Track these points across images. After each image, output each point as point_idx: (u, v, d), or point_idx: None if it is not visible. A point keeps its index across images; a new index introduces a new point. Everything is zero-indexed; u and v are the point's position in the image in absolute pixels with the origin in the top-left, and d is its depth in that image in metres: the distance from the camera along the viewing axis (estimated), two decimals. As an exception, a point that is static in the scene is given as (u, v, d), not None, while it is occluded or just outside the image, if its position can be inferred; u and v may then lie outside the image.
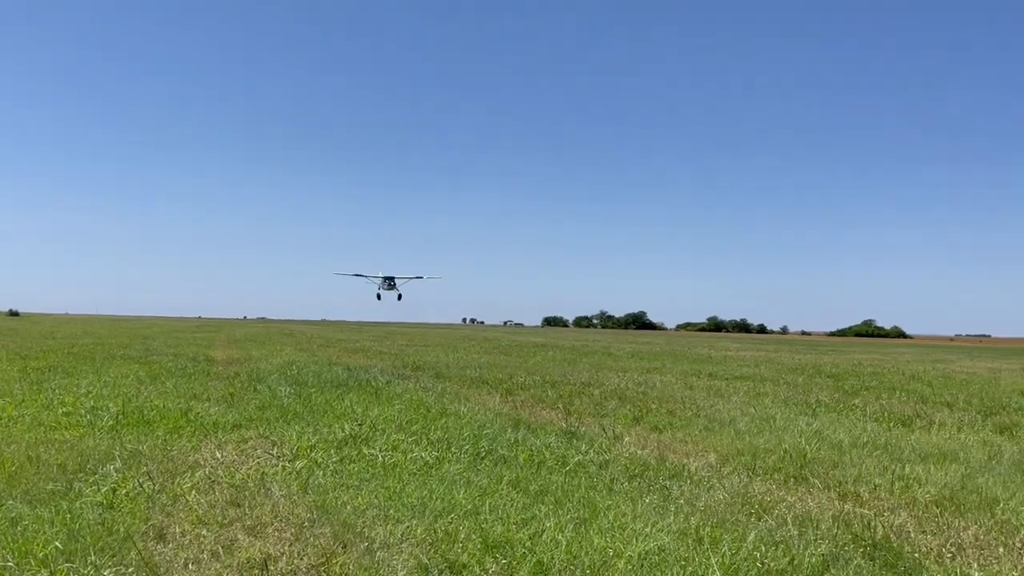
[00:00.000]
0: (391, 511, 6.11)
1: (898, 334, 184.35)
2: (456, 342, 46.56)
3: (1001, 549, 5.60)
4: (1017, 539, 5.79)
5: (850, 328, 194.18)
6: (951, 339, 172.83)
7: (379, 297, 75.08)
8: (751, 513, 6.27)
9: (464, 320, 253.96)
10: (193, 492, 6.66)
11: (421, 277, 76.81)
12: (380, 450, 8.34)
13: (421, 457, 8.07)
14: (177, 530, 5.68)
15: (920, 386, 19.89)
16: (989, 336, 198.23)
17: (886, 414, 13.06)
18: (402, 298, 76.34)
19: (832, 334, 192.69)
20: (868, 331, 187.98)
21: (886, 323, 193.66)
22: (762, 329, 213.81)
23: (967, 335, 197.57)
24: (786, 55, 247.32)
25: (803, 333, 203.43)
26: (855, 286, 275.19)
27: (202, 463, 7.84)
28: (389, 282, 73.74)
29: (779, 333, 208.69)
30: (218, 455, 8.20)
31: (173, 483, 6.96)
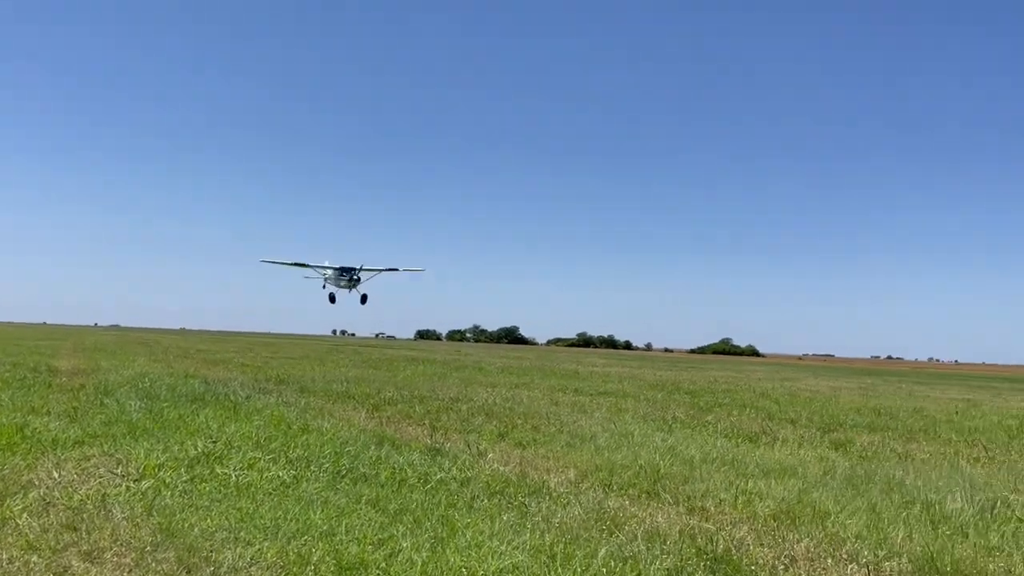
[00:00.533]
0: (242, 533, 5.91)
1: (752, 352, 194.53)
2: (324, 355, 45.56)
3: (829, 560, 6.02)
4: (843, 551, 6.23)
5: (709, 346, 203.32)
6: (800, 358, 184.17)
7: (332, 299, 55.18)
8: (604, 529, 6.47)
9: (334, 332, 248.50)
10: (24, 515, 6.22)
11: (396, 269, 57.06)
12: (234, 469, 8.05)
13: (278, 476, 7.85)
14: (4, 556, 5.29)
15: (768, 403, 21.08)
16: (833, 356, 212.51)
17: (735, 430, 13.76)
18: (366, 302, 55.33)
19: (692, 351, 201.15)
20: (725, 349, 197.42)
21: (742, 341, 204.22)
22: (628, 345, 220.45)
23: (814, 354, 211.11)
24: (643, 77, 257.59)
25: (666, 350, 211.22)
26: (715, 306, 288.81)
27: (37, 483, 7.32)
28: (348, 276, 54.10)
29: (644, 349, 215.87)
30: (56, 474, 7.68)
31: (2, 505, 6.47)
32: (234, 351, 46.03)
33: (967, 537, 6.70)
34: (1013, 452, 12.74)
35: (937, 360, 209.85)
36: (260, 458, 8.66)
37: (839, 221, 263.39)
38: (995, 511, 7.62)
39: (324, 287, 57.77)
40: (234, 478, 7.69)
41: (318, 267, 55.91)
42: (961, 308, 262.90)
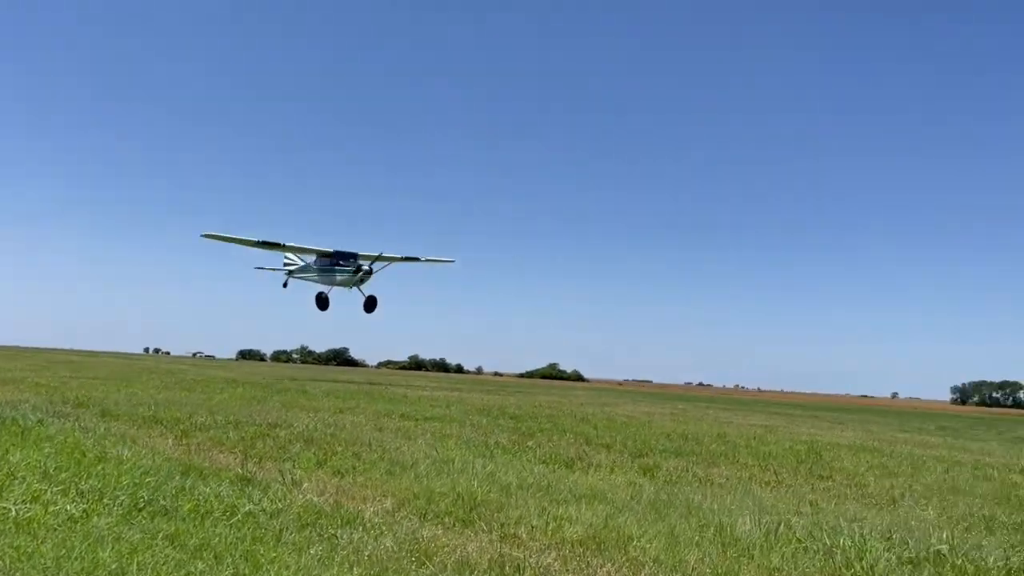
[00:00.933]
0: (18, 575, 5.40)
1: (577, 377, 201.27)
2: (133, 375, 42.56)
3: (628, 583, 6.31)
4: (642, 574, 6.56)
5: (537, 370, 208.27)
6: (620, 383, 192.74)
7: (323, 303, 37.99)
8: (415, 560, 6.45)
9: (146, 350, 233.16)
10: None
11: (417, 259, 41.36)
12: (15, 502, 7.34)
13: (65, 510, 7.23)
14: None
15: (587, 428, 21.83)
16: (651, 381, 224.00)
17: (553, 456, 14.14)
18: (376, 307, 39.27)
19: (521, 375, 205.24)
20: (552, 373, 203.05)
21: (568, 366, 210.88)
22: (460, 369, 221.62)
23: (634, 380, 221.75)
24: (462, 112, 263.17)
25: (496, 374, 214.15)
26: (544, 330, 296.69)
27: None
28: (353, 268, 36.70)
29: (475, 373, 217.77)
30: None
31: None
32: (28, 369, 42.03)
33: (753, 559, 7.24)
34: (800, 476, 13.88)
35: (742, 387, 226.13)
36: (46, 490, 7.95)
37: (657, 252, 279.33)
38: (779, 532, 8.29)
39: (285, 285, 40.16)
40: (14, 512, 7.01)
41: (296, 248, 36.73)
42: (731, 337, 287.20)
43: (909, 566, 7.37)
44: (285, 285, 40.07)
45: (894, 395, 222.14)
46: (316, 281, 37.58)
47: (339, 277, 36.66)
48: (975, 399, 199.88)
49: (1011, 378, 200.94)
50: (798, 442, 21.83)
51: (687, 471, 13.26)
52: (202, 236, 37.55)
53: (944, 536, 8.52)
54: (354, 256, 37.38)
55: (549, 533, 7.71)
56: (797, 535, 8.24)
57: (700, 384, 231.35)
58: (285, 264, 41.87)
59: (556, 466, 12.84)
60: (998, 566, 7.45)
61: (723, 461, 15.45)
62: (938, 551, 7.81)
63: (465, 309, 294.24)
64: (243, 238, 37.14)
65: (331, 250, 37.55)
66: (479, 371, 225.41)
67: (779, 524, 8.63)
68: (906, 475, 15.09)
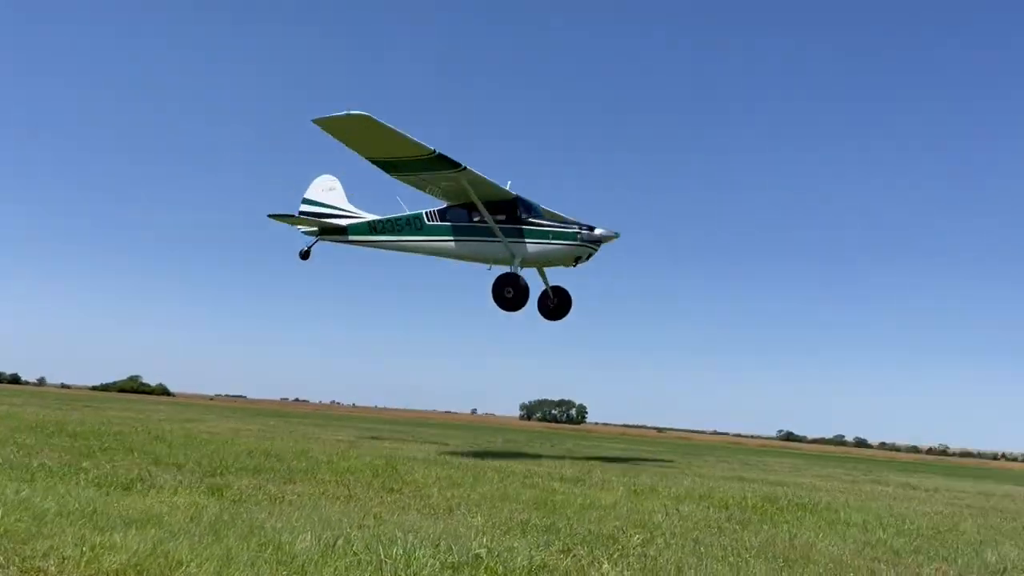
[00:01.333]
0: None
1: (163, 391, 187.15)
2: None
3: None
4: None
5: (115, 383, 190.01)
6: (211, 398, 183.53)
7: (521, 294, 23.50)
8: None
9: None
10: None
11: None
12: None
13: None
14: None
15: (161, 446, 20.25)
16: (245, 396, 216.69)
17: (111, 478, 12.83)
18: (571, 308, 27.03)
19: (96, 388, 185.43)
20: (134, 387, 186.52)
21: (152, 380, 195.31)
22: (16, 379, 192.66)
23: (226, 395, 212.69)
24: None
25: (63, 386, 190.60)
26: (127, 342, 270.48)
27: None
28: (574, 229, 22.94)
29: (35, 384, 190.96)
30: None
31: None
32: None
33: (306, 574, 7.28)
34: (372, 490, 14.35)
35: (338, 403, 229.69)
36: None
37: (230, 269, 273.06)
38: (336, 547, 8.45)
39: (306, 255, 26.36)
40: None
41: (476, 179, 22.05)
42: (326, 353, 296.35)
43: (450, 570, 8.00)
44: (306, 255, 25.73)
45: (474, 411, 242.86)
46: (452, 254, 23.97)
47: (534, 247, 22.26)
48: (538, 415, 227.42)
49: (567, 397, 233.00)
50: (378, 456, 22.61)
51: (260, 489, 12.94)
52: (316, 121, 21.39)
53: (484, 540, 9.43)
54: (534, 209, 23.28)
55: (83, 564, 6.94)
56: (355, 548, 8.47)
57: (296, 400, 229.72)
58: (303, 213, 26.98)
59: (111, 489, 11.67)
60: (523, 565, 8.43)
61: (301, 478, 15.37)
62: (477, 554, 8.60)
63: (24, 310, 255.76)
64: (410, 139, 20.95)
65: (512, 195, 23.30)
66: (41, 382, 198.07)
67: (338, 538, 8.81)
68: (467, 485, 16.41)
